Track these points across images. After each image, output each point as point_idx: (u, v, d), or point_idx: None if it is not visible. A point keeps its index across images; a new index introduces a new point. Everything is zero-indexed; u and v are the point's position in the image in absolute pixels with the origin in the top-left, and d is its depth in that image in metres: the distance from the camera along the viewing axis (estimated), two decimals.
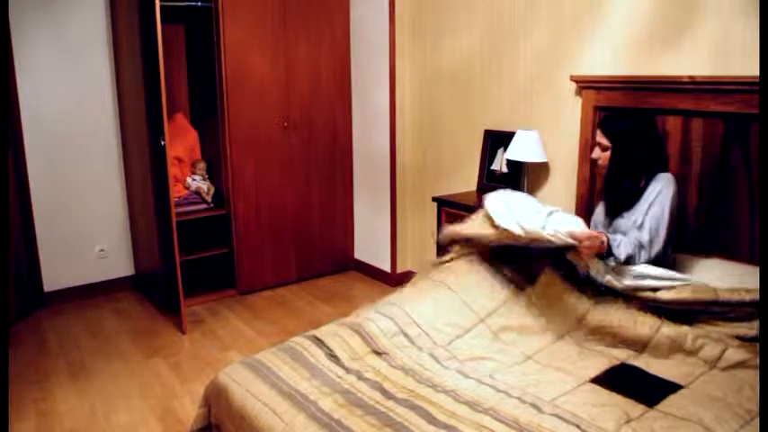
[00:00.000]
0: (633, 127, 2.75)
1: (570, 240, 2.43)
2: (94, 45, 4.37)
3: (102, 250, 4.62)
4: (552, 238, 2.44)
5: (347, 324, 2.55)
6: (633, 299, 2.42)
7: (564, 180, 3.56)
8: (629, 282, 2.43)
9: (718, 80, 2.73)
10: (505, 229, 2.58)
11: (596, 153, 2.82)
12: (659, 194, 2.63)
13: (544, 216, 2.63)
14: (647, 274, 2.47)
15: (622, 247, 2.52)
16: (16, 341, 3.85)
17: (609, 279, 2.43)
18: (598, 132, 2.80)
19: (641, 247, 2.57)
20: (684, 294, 2.35)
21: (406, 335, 2.45)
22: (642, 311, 2.40)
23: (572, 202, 3.47)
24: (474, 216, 2.99)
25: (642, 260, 2.57)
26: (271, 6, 4.33)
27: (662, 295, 2.37)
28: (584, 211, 3.38)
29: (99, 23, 4.37)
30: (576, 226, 2.56)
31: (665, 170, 2.77)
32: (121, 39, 4.27)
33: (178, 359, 3.59)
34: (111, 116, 4.52)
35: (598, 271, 2.48)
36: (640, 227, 2.62)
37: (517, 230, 2.54)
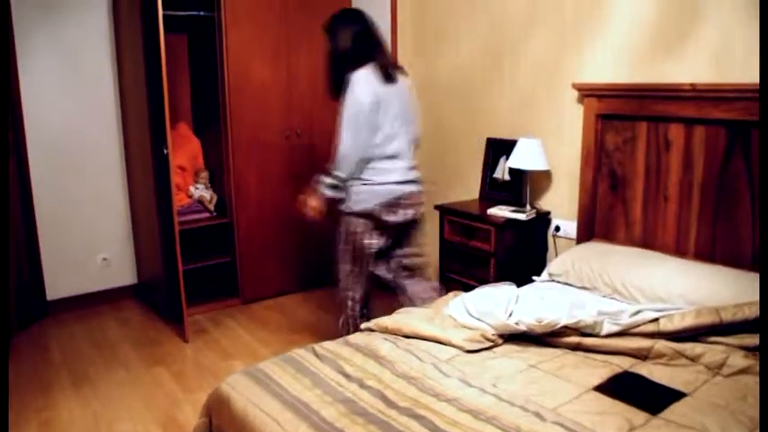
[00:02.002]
0: (336, 24, 3.05)
1: (541, 330, 2.42)
2: (98, 54, 4.40)
3: (104, 259, 4.62)
4: (524, 328, 2.44)
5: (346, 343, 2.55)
6: (636, 335, 2.40)
7: (566, 188, 3.56)
8: (627, 320, 2.42)
9: (719, 87, 2.74)
10: (476, 329, 2.53)
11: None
12: (346, 98, 2.89)
13: (505, 305, 2.62)
14: (644, 308, 2.49)
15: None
16: (19, 350, 3.85)
17: (607, 329, 2.40)
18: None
19: (338, 154, 2.92)
20: (688, 321, 2.34)
21: (407, 350, 2.44)
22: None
23: (574, 209, 3.47)
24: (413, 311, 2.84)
25: (345, 163, 2.92)
26: (272, 15, 4.34)
27: (665, 326, 2.35)
28: (587, 219, 3.38)
29: (102, 32, 4.40)
30: (541, 308, 2.54)
31: (367, 64, 2.95)
32: (124, 48, 4.29)
33: (181, 368, 3.59)
34: (114, 125, 4.54)
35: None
36: None
37: (485, 327, 2.53)
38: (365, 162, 3.00)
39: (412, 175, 3.15)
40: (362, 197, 3.04)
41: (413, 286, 3.32)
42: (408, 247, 3.30)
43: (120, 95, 4.51)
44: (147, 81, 3.96)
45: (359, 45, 3.01)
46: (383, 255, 3.26)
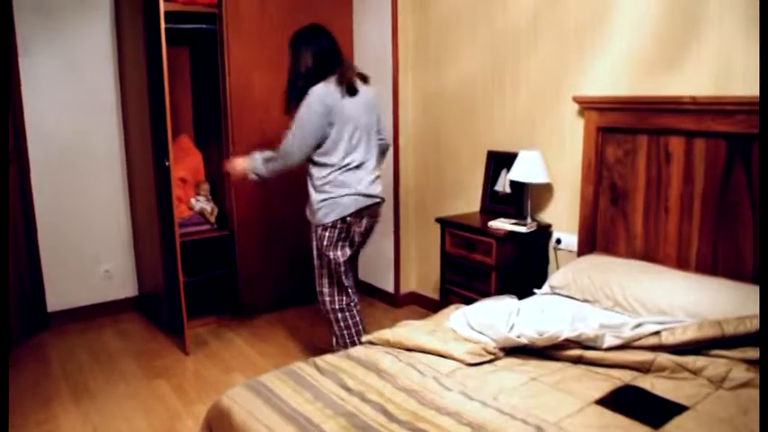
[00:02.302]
0: (298, 44, 3.18)
1: (543, 343, 2.43)
2: (100, 65, 4.42)
3: (106, 271, 4.62)
4: (525, 341, 2.45)
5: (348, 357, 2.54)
6: (638, 348, 2.39)
7: (567, 200, 3.56)
8: (629, 333, 2.42)
9: (719, 100, 2.75)
10: (477, 342, 2.54)
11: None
12: (300, 107, 3.05)
13: (506, 318, 2.62)
14: (645, 321, 2.49)
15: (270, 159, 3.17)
16: (19, 362, 3.84)
17: (609, 342, 2.40)
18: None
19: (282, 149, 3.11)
20: (690, 334, 2.33)
21: (408, 364, 2.44)
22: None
23: (575, 222, 3.47)
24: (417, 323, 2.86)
25: (286, 158, 3.12)
26: (274, 28, 4.36)
27: (667, 339, 2.35)
28: (588, 232, 3.38)
29: (105, 43, 4.42)
30: (542, 321, 2.55)
31: (326, 78, 3.08)
32: (127, 60, 4.31)
33: (181, 381, 3.58)
34: (116, 137, 4.55)
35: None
36: None
37: (486, 339, 2.54)
38: (323, 173, 3.13)
39: (375, 187, 3.26)
40: (330, 209, 3.13)
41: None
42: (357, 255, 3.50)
43: (122, 107, 4.52)
44: (149, 93, 3.97)
45: (319, 64, 3.13)
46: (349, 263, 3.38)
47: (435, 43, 4.30)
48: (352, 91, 3.12)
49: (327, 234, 3.17)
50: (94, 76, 4.41)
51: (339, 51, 3.22)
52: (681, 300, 2.63)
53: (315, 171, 3.17)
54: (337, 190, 3.12)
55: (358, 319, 3.39)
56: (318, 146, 3.09)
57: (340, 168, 3.12)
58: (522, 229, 3.47)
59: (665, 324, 2.47)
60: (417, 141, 4.57)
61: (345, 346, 3.29)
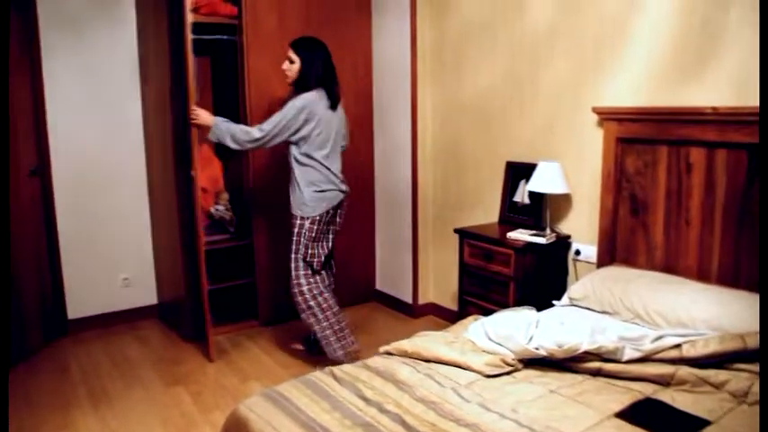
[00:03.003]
0: (312, 49, 3.56)
1: (562, 355, 2.42)
2: (124, 76, 4.49)
3: (125, 279, 4.66)
4: (544, 353, 2.44)
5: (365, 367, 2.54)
6: (658, 361, 2.37)
7: (586, 211, 3.54)
8: (649, 346, 2.40)
9: (741, 111, 2.72)
10: (495, 353, 2.53)
11: (286, 65, 3.58)
12: (292, 102, 3.48)
13: (525, 330, 2.62)
14: (666, 334, 2.47)
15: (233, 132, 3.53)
16: (39, 368, 3.88)
17: (629, 355, 2.38)
18: (289, 50, 3.57)
19: (257, 131, 3.49)
20: (711, 347, 2.31)
21: (426, 375, 2.43)
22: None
23: (594, 233, 3.45)
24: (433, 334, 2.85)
25: (256, 140, 3.50)
26: (294, 37, 4.39)
27: (688, 352, 2.33)
28: (608, 243, 3.36)
29: (130, 56, 4.49)
30: (561, 333, 2.55)
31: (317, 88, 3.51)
32: (150, 70, 4.36)
33: (199, 388, 3.60)
34: (138, 146, 4.61)
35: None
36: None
37: (505, 351, 2.53)
38: (311, 171, 3.56)
39: (344, 185, 3.73)
40: (317, 203, 3.57)
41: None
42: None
43: (144, 116, 4.57)
44: (171, 103, 4.01)
45: (326, 73, 3.56)
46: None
47: (453, 54, 4.31)
48: (335, 105, 3.59)
49: (316, 227, 3.59)
50: (118, 88, 4.48)
51: (334, 68, 3.64)
52: (702, 312, 2.60)
53: (303, 169, 3.56)
54: (323, 185, 3.58)
55: (333, 302, 3.70)
56: (296, 143, 3.54)
57: (325, 168, 3.57)
58: (541, 240, 3.46)
59: (686, 337, 2.44)
60: (436, 152, 4.57)
61: (345, 351, 3.65)
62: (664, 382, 2.29)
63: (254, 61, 4.26)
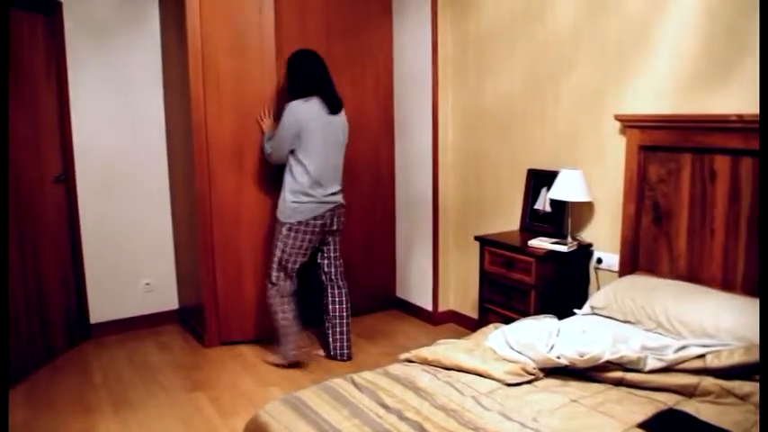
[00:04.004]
0: (292, 62, 3.78)
1: (583, 364, 2.40)
2: (147, 83, 4.55)
3: (147, 284, 4.70)
4: (565, 362, 2.43)
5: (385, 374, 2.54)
6: (681, 372, 2.34)
7: (609, 220, 3.51)
8: (672, 356, 2.37)
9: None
10: (516, 361, 2.52)
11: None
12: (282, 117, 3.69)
13: (546, 338, 2.60)
14: (689, 343, 2.44)
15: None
16: (62, 371, 3.92)
17: (652, 365, 2.36)
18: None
19: (267, 148, 3.86)
20: (736, 358, 2.28)
21: (447, 382, 2.42)
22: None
23: (617, 242, 3.43)
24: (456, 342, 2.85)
25: (267, 152, 3.85)
26: (315, 47, 4.40)
27: (712, 362, 2.30)
28: (630, 252, 3.33)
29: (153, 63, 4.55)
30: (582, 342, 2.53)
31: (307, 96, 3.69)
32: (172, 78, 4.40)
33: (219, 393, 3.61)
34: (161, 153, 4.65)
35: None
36: None
37: (526, 359, 2.52)
38: (296, 184, 3.70)
39: (335, 197, 3.81)
40: (292, 212, 3.69)
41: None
42: (328, 257, 4.00)
43: (166, 124, 4.62)
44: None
45: (306, 85, 3.73)
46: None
47: (475, 61, 4.30)
48: (330, 110, 3.73)
49: (293, 234, 3.74)
50: (142, 96, 4.53)
51: (324, 72, 3.79)
52: (727, 322, 2.57)
53: (287, 175, 3.74)
54: (301, 197, 3.70)
55: (289, 308, 3.87)
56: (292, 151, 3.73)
57: (308, 176, 3.70)
58: (563, 248, 3.43)
59: (710, 347, 2.41)
60: (457, 159, 4.56)
61: (282, 351, 3.90)
62: (687, 392, 2.26)
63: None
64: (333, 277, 3.99)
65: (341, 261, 4.02)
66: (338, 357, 4.01)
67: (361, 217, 4.84)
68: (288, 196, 3.70)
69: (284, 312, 3.83)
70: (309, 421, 2.15)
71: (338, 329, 3.99)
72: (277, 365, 3.95)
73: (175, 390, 3.67)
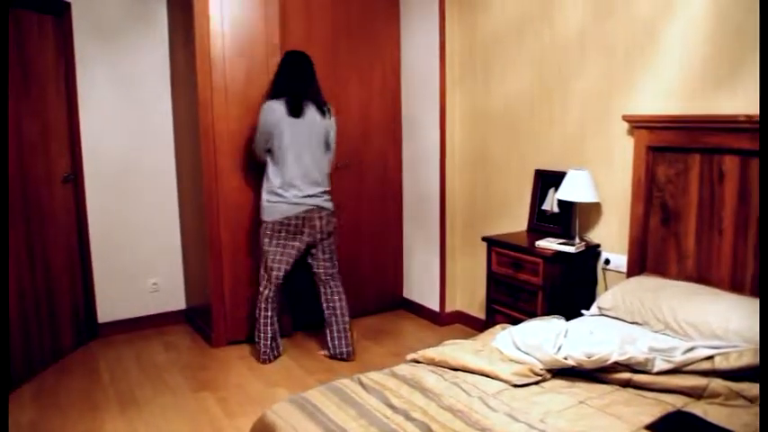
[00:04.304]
0: (280, 62, 3.86)
1: (591, 365, 2.39)
2: (155, 83, 4.56)
3: (155, 284, 4.71)
4: (573, 363, 2.42)
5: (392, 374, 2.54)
6: (689, 373, 2.33)
7: (616, 220, 3.50)
8: (680, 357, 2.36)
9: None
10: (523, 362, 2.51)
11: None
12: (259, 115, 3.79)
13: (553, 339, 2.59)
14: (697, 345, 2.42)
15: None
16: (69, 370, 3.93)
17: (659, 366, 2.34)
18: None
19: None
20: (745, 360, 2.26)
21: (454, 383, 2.42)
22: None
23: (624, 242, 3.41)
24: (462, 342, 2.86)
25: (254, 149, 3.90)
26: (321, 48, 4.43)
27: (720, 364, 2.28)
28: (638, 252, 3.32)
29: (161, 63, 4.56)
30: (590, 343, 2.52)
31: (281, 96, 3.74)
32: (180, 79, 4.41)
33: (225, 394, 3.61)
34: (168, 154, 4.67)
35: None
36: None
37: (532, 361, 2.51)
38: (269, 183, 3.79)
39: (312, 199, 3.81)
40: (266, 211, 3.79)
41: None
42: (315, 258, 4.00)
43: (174, 124, 4.63)
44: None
45: (283, 86, 3.77)
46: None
47: (482, 61, 4.30)
48: (298, 112, 3.73)
49: (270, 233, 3.82)
50: (150, 95, 4.55)
51: (310, 74, 3.84)
52: (736, 324, 2.55)
53: (265, 175, 3.84)
54: (271, 198, 3.78)
55: (271, 313, 3.95)
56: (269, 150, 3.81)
57: (280, 177, 3.78)
58: (570, 249, 3.43)
59: (719, 349, 2.39)
60: (464, 159, 4.56)
61: (258, 349, 4.01)
62: (695, 394, 2.25)
63: None
64: (322, 278, 4.01)
65: (333, 263, 4.02)
66: (338, 357, 4.02)
67: (368, 218, 4.84)
68: (263, 195, 3.81)
69: (265, 319, 3.93)
70: (316, 422, 2.15)
71: (335, 329, 4.01)
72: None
73: (182, 390, 3.68)
